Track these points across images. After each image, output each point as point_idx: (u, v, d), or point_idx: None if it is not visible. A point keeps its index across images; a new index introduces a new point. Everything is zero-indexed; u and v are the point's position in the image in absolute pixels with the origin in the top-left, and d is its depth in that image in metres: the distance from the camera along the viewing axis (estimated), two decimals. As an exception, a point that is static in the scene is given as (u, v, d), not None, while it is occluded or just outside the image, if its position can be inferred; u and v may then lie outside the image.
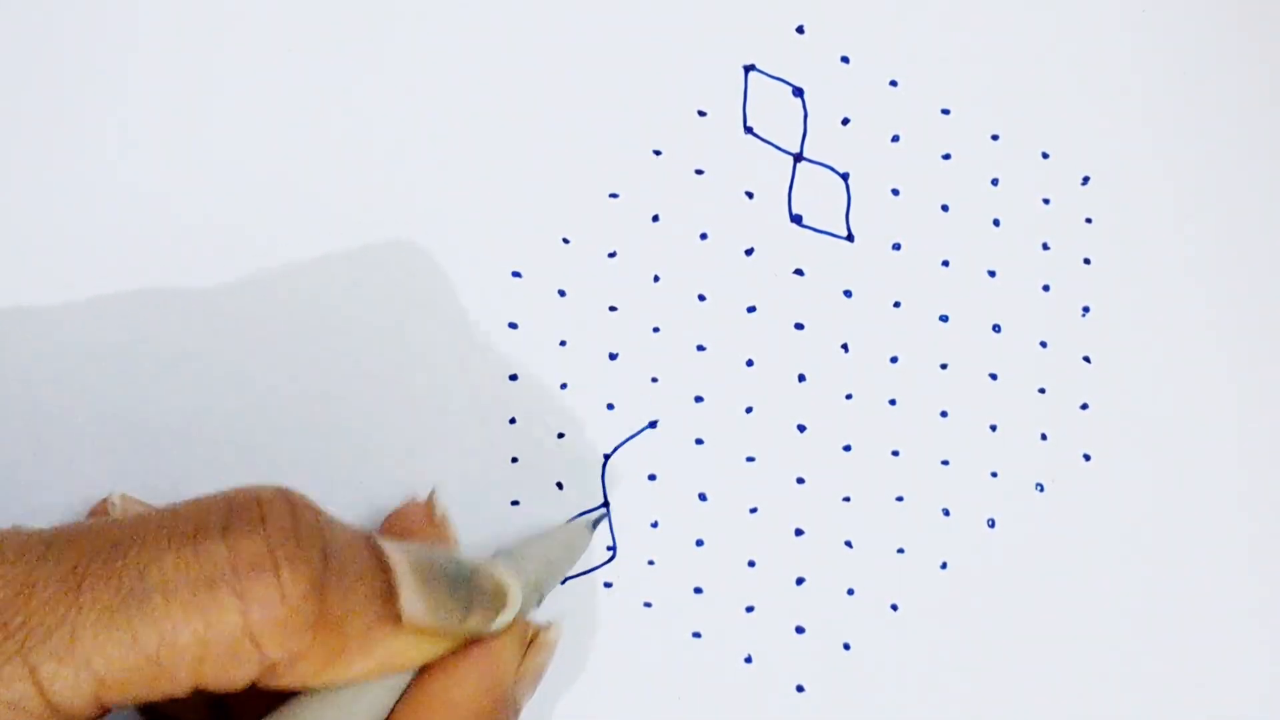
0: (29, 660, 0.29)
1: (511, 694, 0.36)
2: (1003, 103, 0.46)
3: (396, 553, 0.34)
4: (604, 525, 0.45)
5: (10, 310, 0.42)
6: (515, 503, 0.44)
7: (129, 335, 0.43)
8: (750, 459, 0.45)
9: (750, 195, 0.45)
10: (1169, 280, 0.47)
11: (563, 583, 0.44)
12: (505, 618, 0.36)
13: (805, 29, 0.46)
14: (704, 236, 0.45)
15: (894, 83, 0.46)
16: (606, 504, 0.45)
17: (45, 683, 0.29)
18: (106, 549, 0.30)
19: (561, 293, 0.45)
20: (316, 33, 0.44)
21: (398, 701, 0.35)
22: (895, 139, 0.46)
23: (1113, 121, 0.47)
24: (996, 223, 0.46)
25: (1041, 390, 0.46)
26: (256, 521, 0.31)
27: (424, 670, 0.35)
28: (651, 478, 0.45)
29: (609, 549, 0.45)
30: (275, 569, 0.30)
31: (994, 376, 0.46)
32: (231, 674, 0.31)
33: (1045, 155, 0.46)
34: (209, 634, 0.30)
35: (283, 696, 0.33)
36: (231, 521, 0.31)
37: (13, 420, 0.42)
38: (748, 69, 0.45)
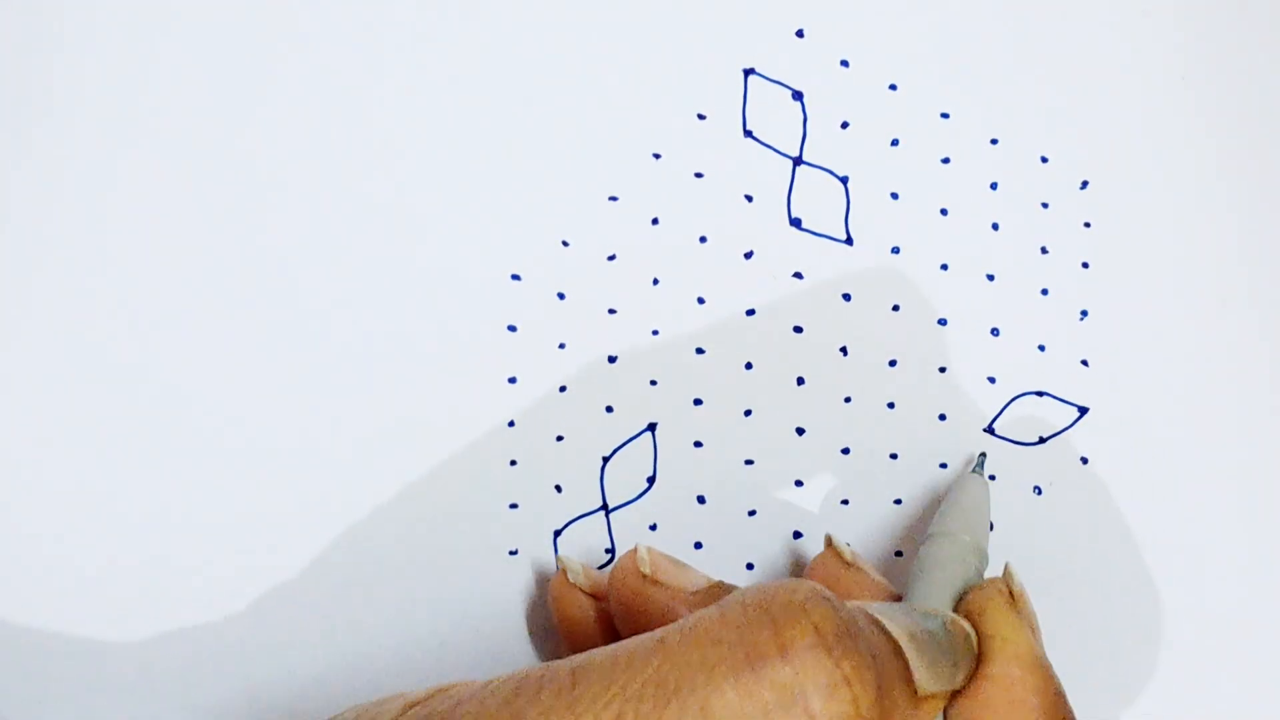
0: None
1: (1039, 656, 0.37)
2: (1002, 107, 0.46)
3: (895, 626, 0.33)
4: (606, 527, 0.45)
5: (10, 310, 0.42)
6: (514, 505, 0.44)
7: (124, 330, 0.43)
8: (749, 462, 0.45)
9: (750, 198, 0.45)
10: (1167, 284, 0.47)
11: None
12: (972, 662, 0.36)
13: (805, 33, 0.46)
14: (703, 239, 0.45)
15: (893, 87, 0.46)
16: (605, 507, 0.45)
17: None
18: (651, 690, 0.29)
19: (561, 295, 0.45)
20: (317, 32, 0.44)
21: None
22: (895, 143, 0.46)
23: (1112, 126, 0.47)
24: (995, 226, 0.46)
25: (1040, 394, 0.46)
26: (810, 633, 0.30)
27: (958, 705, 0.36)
28: (650, 480, 0.45)
29: (607, 552, 0.45)
30: (846, 684, 0.29)
31: (992, 380, 0.46)
32: None
33: (1044, 159, 0.46)
34: None
35: None
36: (786, 639, 0.29)
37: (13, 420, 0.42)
38: (747, 72, 0.45)
